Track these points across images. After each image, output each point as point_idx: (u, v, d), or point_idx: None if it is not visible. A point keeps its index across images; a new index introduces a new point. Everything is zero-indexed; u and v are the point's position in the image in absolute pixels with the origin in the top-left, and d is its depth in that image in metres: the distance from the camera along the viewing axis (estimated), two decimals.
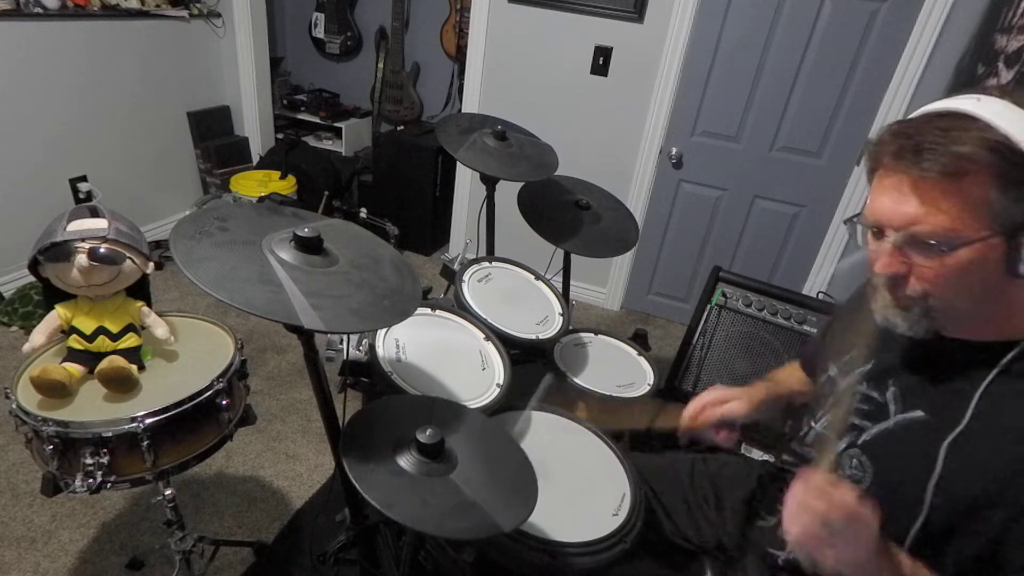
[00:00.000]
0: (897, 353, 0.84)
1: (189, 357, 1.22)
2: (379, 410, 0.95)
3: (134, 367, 1.12)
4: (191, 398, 1.09)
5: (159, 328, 1.20)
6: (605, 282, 3.19)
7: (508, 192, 1.68)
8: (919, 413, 0.78)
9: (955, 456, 0.71)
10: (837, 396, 0.91)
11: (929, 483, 0.72)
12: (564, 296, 1.63)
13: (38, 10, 2.46)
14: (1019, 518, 0.66)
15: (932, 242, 0.67)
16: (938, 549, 0.73)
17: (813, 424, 0.96)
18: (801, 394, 1.15)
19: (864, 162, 0.77)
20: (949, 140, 0.65)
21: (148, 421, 1.03)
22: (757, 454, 1.84)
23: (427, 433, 0.84)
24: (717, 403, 1.07)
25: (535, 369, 1.50)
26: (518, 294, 1.53)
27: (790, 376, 1.20)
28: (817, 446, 0.87)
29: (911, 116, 0.72)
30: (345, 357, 1.29)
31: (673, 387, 2.20)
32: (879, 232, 0.73)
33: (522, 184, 1.70)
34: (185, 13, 3.04)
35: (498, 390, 1.20)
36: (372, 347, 1.19)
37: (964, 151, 0.64)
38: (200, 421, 1.13)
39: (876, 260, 0.74)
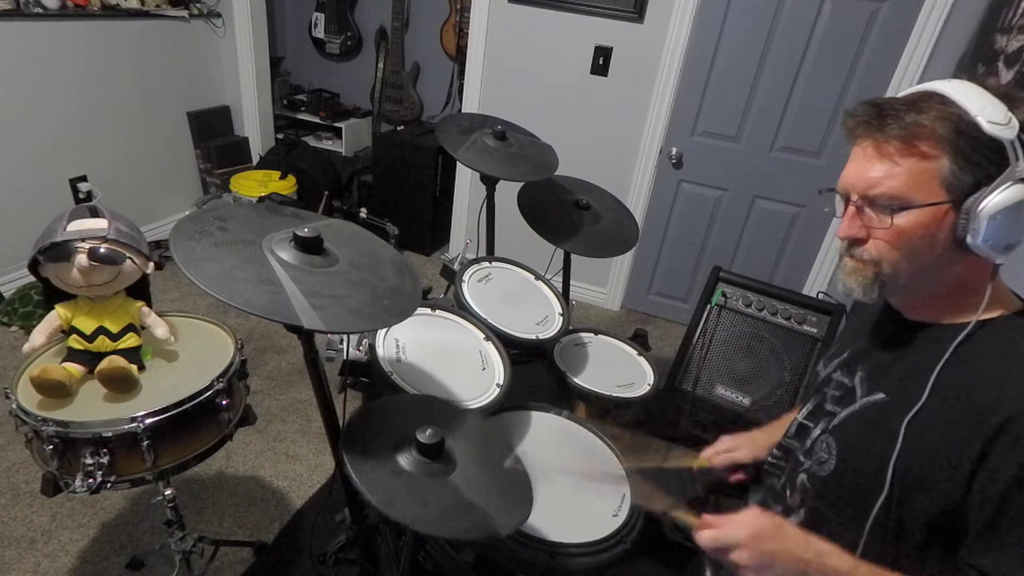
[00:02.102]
0: (866, 339, 0.89)
1: (189, 357, 1.22)
2: (379, 410, 0.95)
3: (134, 367, 1.12)
4: (191, 398, 1.09)
5: (159, 328, 1.20)
6: (605, 282, 3.19)
7: (508, 192, 1.68)
8: (881, 395, 0.81)
9: (914, 432, 0.74)
10: None
11: (890, 460, 0.74)
12: (564, 296, 1.63)
13: (38, 10, 2.46)
14: (972, 481, 0.68)
15: (884, 203, 0.72)
16: (901, 523, 0.75)
17: (796, 416, 0.98)
18: None
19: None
20: (911, 110, 0.70)
21: (148, 421, 1.03)
22: None
23: (427, 433, 0.84)
24: (726, 451, 1.13)
25: (535, 369, 1.50)
26: (518, 294, 1.53)
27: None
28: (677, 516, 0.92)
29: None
30: (345, 357, 1.29)
31: (673, 387, 2.20)
32: (847, 199, 0.77)
33: (522, 184, 1.70)
34: (185, 13, 3.04)
35: (498, 390, 1.19)
36: (372, 347, 1.18)
37: (920, 119, 0.69)
38: (200, 421, 1.13)
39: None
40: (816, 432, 0.90)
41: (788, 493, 0.93)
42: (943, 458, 0.70)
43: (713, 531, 0.79)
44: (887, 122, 0.71)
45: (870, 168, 0.73)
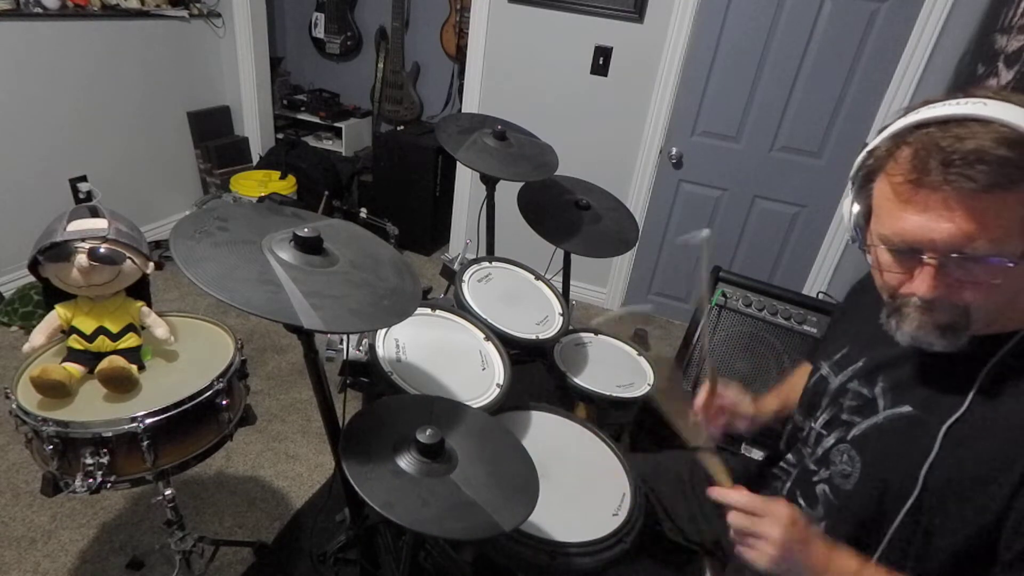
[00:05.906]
0: (887, 349, 0.84)
1: (189, 357, 1.22)
2: (379, 410, 0.95)
3: (134, 367, 1.12)
4: (191, 398, 1.09)
5: (159, 328, 1.20)
6: (605, 282, 3.19)
7: (508, 192, 1.68)
8: (907, 408, 0.79)
9: (954, 439, 0.72)
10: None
11: (923, 466, 0.72)
12: (564, 296, 1.63)
13: (38, 10, 2.46)
14: (1012, 501, 0.66)
15: (994, 259, 0.64)
16: (928, 533, 0.74)
17: (813, 425, 0.95)
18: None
19: (859, 176, 0.74)
20: (982, 149, 0.61)
21: (148, 421, 1.03)
22: (757, 454, 1.84)
23: (427, 433, 0.84)
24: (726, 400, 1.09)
25: (535, 369, 1.50)
26: (518, 294, 1.53)
27: (800, 381, 1.21)
28: (706, 463, 0.90)
29: (908, 124, 0.68)
30: (345, 357, 1.29)
31: None
32: (906, 252, 0.69)
33: (522, 184, 1.70)
34: (185, 13, 3.04)
35: (498, 390, 1.19)
36: (372, 347, 1.18)
37: (1009, 156, 0.60)
38: (200, 421, 1.13)
39: (909, 282, 0.70)
40: (830, 440, 0.88)
41: (803, 503, 0.91)
42: (986, 469, 0.69)
43: (745, 517, 0.76)
44: (959, 169, 0.62)
45: (952, 222, 0.63)
